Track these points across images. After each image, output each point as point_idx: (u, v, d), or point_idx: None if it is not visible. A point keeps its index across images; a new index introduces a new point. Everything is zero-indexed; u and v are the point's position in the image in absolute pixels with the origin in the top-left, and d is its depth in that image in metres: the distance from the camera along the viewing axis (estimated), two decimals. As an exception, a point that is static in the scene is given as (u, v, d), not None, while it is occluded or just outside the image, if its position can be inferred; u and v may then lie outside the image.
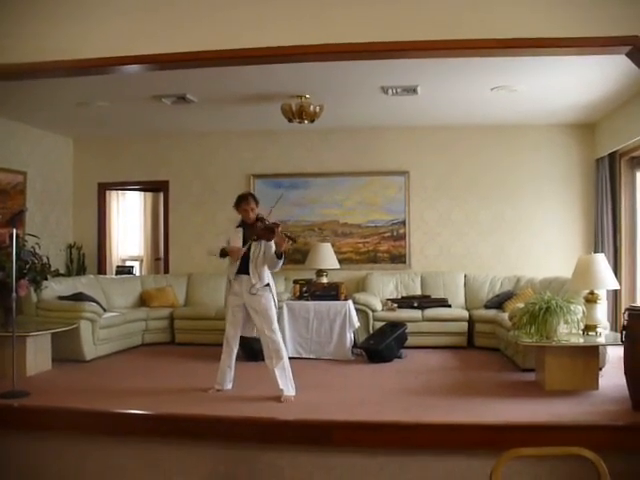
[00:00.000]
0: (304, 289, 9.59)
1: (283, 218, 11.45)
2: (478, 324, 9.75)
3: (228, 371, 7.02)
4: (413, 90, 8.75)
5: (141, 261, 13.79)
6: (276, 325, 6.91)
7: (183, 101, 9.30)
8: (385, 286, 10.83)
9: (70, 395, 6.73)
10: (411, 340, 9.23)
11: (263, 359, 8.67)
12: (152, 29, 5.53)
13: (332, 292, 9.46)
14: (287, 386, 6.64)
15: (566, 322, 6.85)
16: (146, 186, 13.04)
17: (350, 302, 9.32)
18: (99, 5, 5.64)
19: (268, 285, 6.89)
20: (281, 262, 6.79)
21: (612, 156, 10.01)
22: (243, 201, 7.05)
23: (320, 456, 5.28)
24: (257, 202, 7.08)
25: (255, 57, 5.50)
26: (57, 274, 9.32)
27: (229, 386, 6.99)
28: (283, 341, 8.90)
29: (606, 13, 5.06)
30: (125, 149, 12.18)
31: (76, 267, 11.94)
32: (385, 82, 8.46)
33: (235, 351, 7.09)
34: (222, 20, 5.46)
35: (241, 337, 9.04)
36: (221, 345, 9.62)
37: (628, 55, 5.35)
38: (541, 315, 6.81)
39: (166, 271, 12.16)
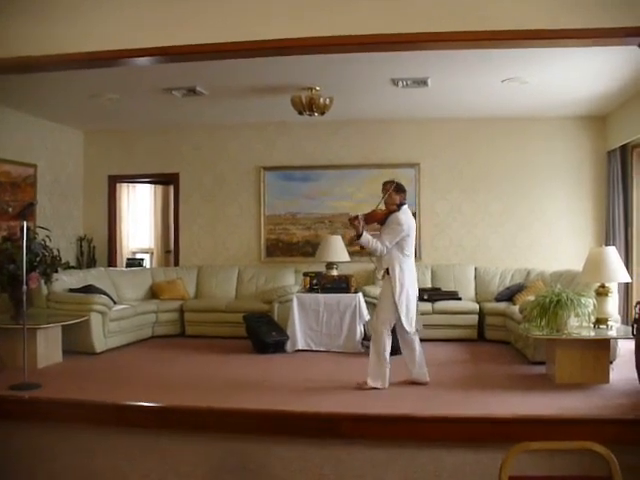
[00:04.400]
0: (314, 282, 9.59)
1: (294, 210, 11.50)
2: (488, 317, 9.74)
3: (410, 362, 7.07)
4: (423, 82, 8.72)
5: (151, 253, 13.82)
6: (383, 319, 6.85)
7: (193, 94, 9.30)
8: (395, 279, 10.79)
9: (81, 387, 6.76)
10: (421, 333, 9.21)
11: (274, 352, 8.78)
12: (162, 21, 5.52)
13: (342, 285, 9.46)
14: (371, 378, 6.70)
15: (577, 315, 6.83)
16: (156, 179, 13.06)
17: (360, 295, 9.31)
18: (109, -3, 5.65)
19: (388, 273, 6.83)
20: (361, 243, 6.78)
21: (624, 148, 9.98)
22: (382, 186, 7.10)
23: (329, 449, 5.28)
24: (397, 190, 6.99)
25: (265, 49, 5.49)
26: (67, 267, 9.34)
27: (425, 377, 6.99)
28: (293, 334, 8.95)
29: (617, 3, 5.03)
30: (135, 142, 12.20)
31: (86, 260, 11.97)
32: (395, 74, 8.44)
33: (413, 345, 7.09)
34: (232, 12, 5.45)
35: (250, 329, 9.11)
36: (231, 338, 9.75)
37: (640, 46, 5.32)
38: (552, 308, 6.80)
39: (176, 263, 12.17)
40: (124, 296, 10.40)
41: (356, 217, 6.78)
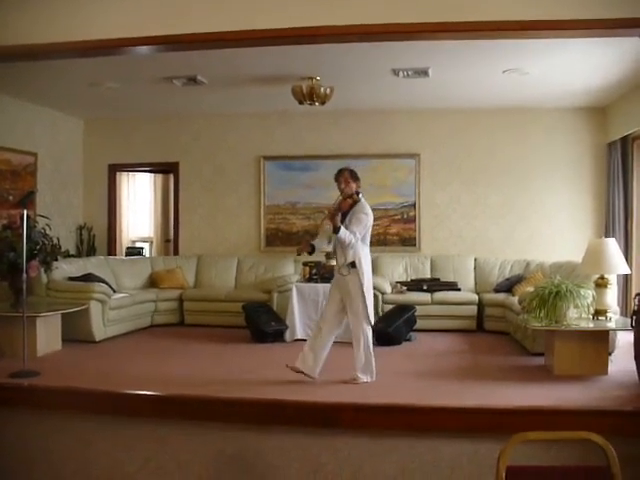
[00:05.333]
0: (313, 271, 9.60)
1: (293, 200, 11.50)
2: (488, 308, 9.75)
3: (309, 355, 6.62)
4: (424, 72, 8.71)
5: (151, 242, 13.83)
6: (364, 315, 6.57)
7: (194, 83, 9.29)
8: (394, 269, 10.81)
9: (80, 375, 6.77)
10: (420, 323, 9.22)
11: (273, 341, 8.76)
12: (163, 10, 5.51)
13: (341, 275, 9.46)
14: (361, 372, 6.54)
15: (576, 306, 6.83)
16: (156, 167, 13.07)
17: (360, 285, 9.29)
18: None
19: (354, 266, 6.59)
20: (340, 238, 6.46)
21: (624, 140, 9.96)
22: (337, 175, 6.87)
23: (327, 438, 5.29)
24: (354, 177, 6.79)
25: (266, 39, 5.47)
26: (67, 255, 9.35)
27: (313, 374, 6.58)
28: (292, 324, 8.93)
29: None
30: (135, 130, 12.19)
31: (86, 248, 11.98)
32: (396, 64, 8.42)
33: (324, 339, 6.67)
34: (234, 1, 5.43)
35: (249, 318, 9.09)
36: (230, 327, 9.74)
37: (641, 37, 5.31)
38: (551, 299, 6.79)
39: (176, 252, 12.19)
40: (123, 285, 10.40)
41: (338, 209, 6.62)
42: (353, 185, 6.77)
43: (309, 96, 8.92)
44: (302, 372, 6.55)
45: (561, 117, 10.96)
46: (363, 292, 6.56)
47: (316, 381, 6.54)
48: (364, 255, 6.67)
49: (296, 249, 7.08)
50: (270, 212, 11.77)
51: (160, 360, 7.76)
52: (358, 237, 6.57)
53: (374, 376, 6.60)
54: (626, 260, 7.86)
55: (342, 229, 6.45)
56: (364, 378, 6.54)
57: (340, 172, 6.86)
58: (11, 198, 10.03)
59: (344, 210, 6.70)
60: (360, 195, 6.81)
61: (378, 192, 11.42)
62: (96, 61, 7.35)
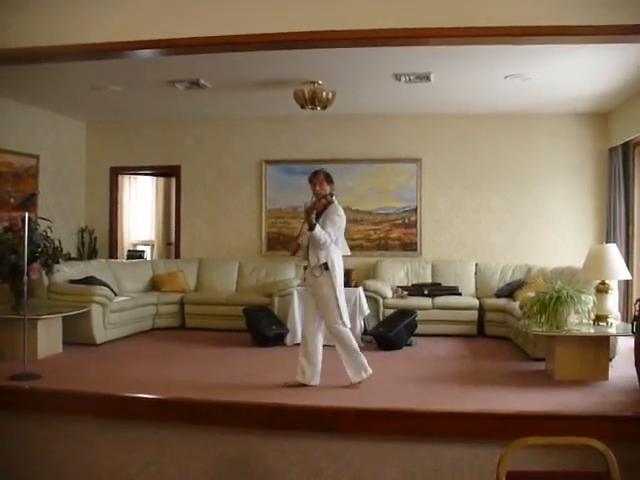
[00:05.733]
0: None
1: (295, 204, 11.48)
2: (488, 313, 9.74)
3: (306, 365, 6.62)
4: (426, 77, 8.71)
5: (152, 246, 13.83)
6: (339, 317, 6.56)
7: (196, 86, 9.29)
8: (396, 273, 10.81)
9: (80, 378, 6.77)
10: (421, 328, 9.21)
11: (273, 345, 8.76)
12: (166, 13, 5.51)
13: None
14: (354, 374, 6.54)
15: (577, 312, 6.82)
16: (158, 171, 13.08)
17: (360, 289, 9.29)
18: (113, -11, 5.63)
19: (327, 268, 6.53)
20: (315, 235, 6.40)
21: (626, 146, 9.96)
22: (312, 176, 6.83)
23: (327, 442, 5.29)
24: (329, 180, 6.78)
25: (269, 43, 5.47)
26: (69, 258, 9.32)
27: (313, 382, 6.59)
28: (293, 327, 8.92)
29: (624, 1, 5.01)
30: (138, 134, 12.20)
31: (87, 251, 11.97)
32: (398, 69, 8.43)
33: (311, 345, 6.68)
34: (236, 5, 5.44)
35: (250, 322, 9.09)
36: (231, 330, 9.74)
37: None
38: (552, 304, 6.79)
39: (177, 256, 12.19)
40: (125, 288, 10.40)
41: (313, 208, 6.56)
42: (327, 187, 6.77)
43: (311, 100, 8.94)
44: (302, 384, 6.55)
45: (563, 122, 10.96)
46: (336, 293, 6.55)
47: (317, 386, 6.55)
48: (337, 258, 6.65)
49: (291, 250, 7.06)
50: (272, 216, 11.77)
51: (161, 363, 7.76)
52: (333, 238, 6.56)
53: (368, 371, 6.58)
54: (627, 266, 7.86)
55: (317, 227, 6.44)
56: (359, 378, 6.53)
57: (315, 174, 6.86)
58: (12, 200, 10.03)
59: (319, 210, 6.68)
60: (334, 197, 6.81)
61: (379, 197, 11.45)
62: (98, 64, 7.36)
